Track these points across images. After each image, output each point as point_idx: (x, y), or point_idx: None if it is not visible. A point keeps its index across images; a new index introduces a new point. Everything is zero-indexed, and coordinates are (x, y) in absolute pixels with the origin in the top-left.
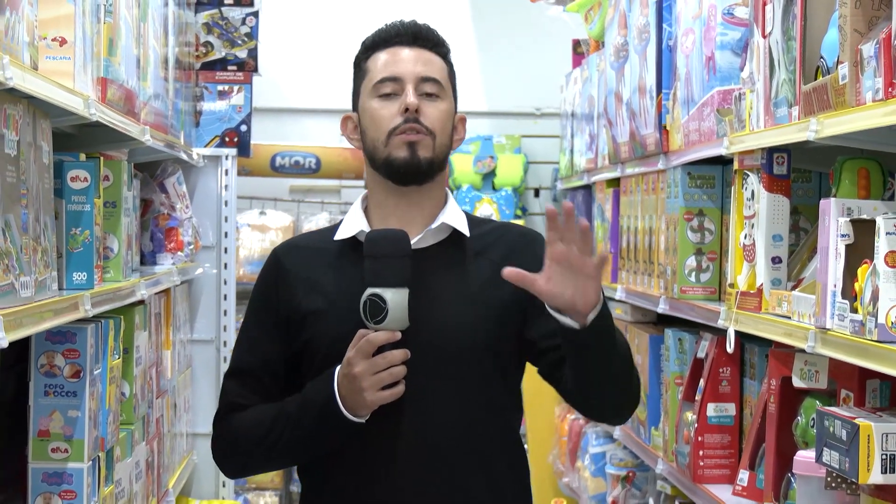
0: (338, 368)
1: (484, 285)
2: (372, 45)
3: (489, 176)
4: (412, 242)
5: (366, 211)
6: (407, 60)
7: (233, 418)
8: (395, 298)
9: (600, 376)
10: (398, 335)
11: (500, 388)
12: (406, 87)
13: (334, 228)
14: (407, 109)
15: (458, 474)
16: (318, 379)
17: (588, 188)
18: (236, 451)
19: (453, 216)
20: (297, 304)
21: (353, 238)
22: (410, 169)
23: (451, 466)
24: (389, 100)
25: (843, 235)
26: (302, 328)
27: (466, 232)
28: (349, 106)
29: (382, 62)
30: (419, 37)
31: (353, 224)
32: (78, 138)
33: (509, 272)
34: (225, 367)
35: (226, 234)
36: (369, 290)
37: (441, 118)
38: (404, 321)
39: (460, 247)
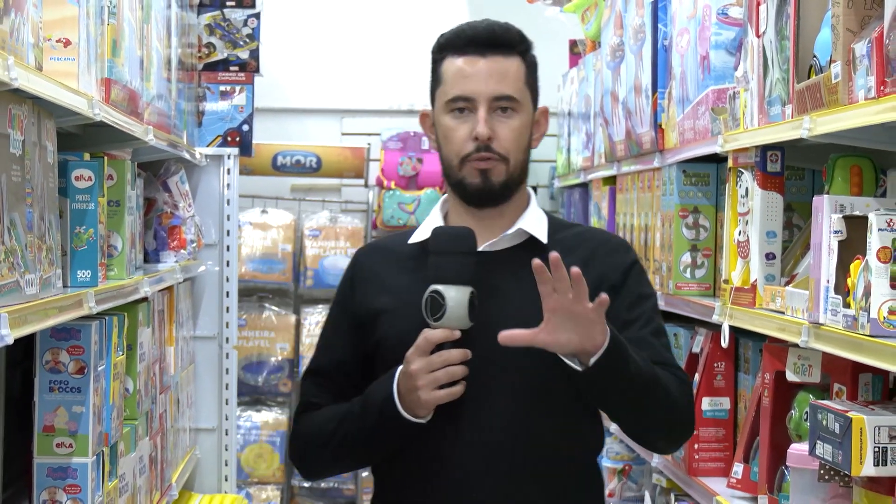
0: (399, 367)
1: None
2: (445, 47)
3: None
4: (487, 244)
5: (446, 216)
6: (480, 77)
7: (306, 418)
8: (455, 296)
9: (625, 411)
10: (457, 334)
11: (567, 399)
12: (478, 108)
13: (413, 231)
14: (477, 138)
15: (515, 481)
16: (381, 378)
17: (585, 186)
18: (308, 451)
19: (532, 222)
20: (370, 304)
21: (428, 240)
22: (484, 196)
23: (507, 473)
24: (462, 117)
25: (835, 232)
26: (373, 328)
27: (544, 239)
28: (349, 106)
29: (454, 74)
30: (494, 42)
31: (430, 227)
32: (82, 138)
33: (505, 336)
34: (227, 363)
35: (228, 233)
36: (431, 287)
37: (515, 138)
38: (464, 320)
39: (537, 251)
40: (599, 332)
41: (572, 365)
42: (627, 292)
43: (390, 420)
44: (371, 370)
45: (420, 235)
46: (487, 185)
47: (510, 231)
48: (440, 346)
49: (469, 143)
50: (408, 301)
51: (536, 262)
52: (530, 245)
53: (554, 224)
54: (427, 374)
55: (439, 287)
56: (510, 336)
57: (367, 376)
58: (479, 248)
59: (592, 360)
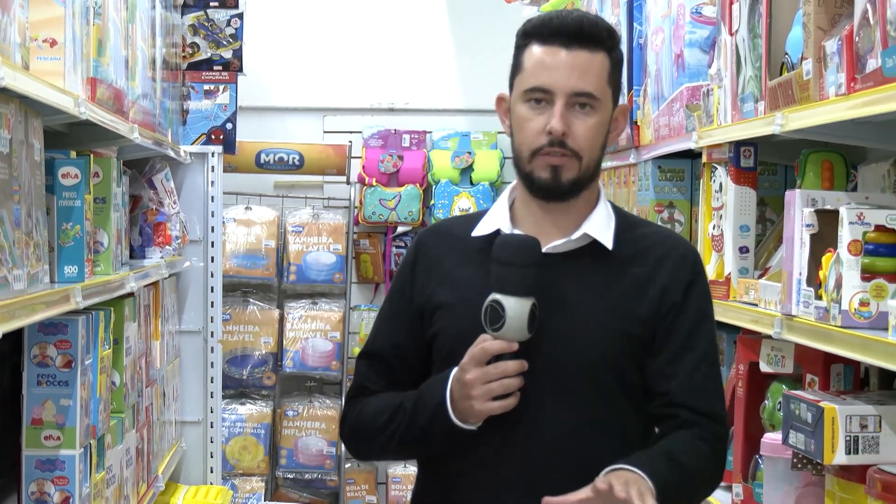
0: (453, 371)
1: (620, 298)
2: (530, 34)
3: (467, 171)
4: (551, 246)
5: (512, 205)
6: (561, 69)
7: (359, 403)
8: (515, 308)
9: None
10: (515, 346)
11: (624, 410)
12: (556, 101)
13: (480, 216)
14: (551, 132)
15: (563, 493)
16: (435, 378)
17: None
18: (359, 437)
19: (598, 224)
20: (430, 294)
21: (494, 233)
22: (553, 192)
23: (556, 484)
24: (538, 108)
25: (807, 225)
26: (432, 320)
27: (609, 244)
28: (331, 105)
29: (536, 63)
30: (580, 36)
31: (495, 220)
32: (69, 136)
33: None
34: (212, 356)
35: (212, 229)
36: (491, 296)
37: (590, 136)
38: (523, 332)
39: (601, 255)
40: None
41: None
42: (688, 314)
43: (441, 424)
44: (429, 359)
45: (484, 228)
46: (556, 182)
47: (575, 236)
48: (497, 357)
49: (542, 137)
50: (468, 298)
51: (601, 485)
52: (597, 247)
53: (622, 224)
54: (482, 385)
55: (500, 297)
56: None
57: (425, 363)
58: (543, 250)
59: None
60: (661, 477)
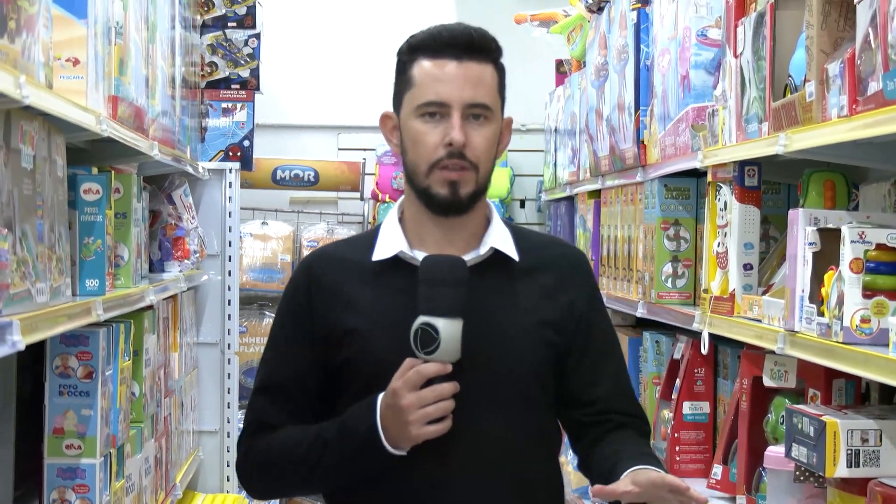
0: (380, 397)
1: (532, 308)
2: (418, 48)
3: None
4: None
5: (401, 222)
6: (455, 82)
7: (262, 439)
8: (449, 329)
9: None
10: (449, 368)
11: (545, 414)
12: (452, 113)
13: (370, 239)
14: (451, 144)
15: (496, 499)
16: (358, 406)
17: (570, 199)
18: (266, 474)
19: (500, 237)
20: (335, 320)
21: (393, 256)
22: (452, 206)
23: (494, 495)
24: (433, 122)
25: (810, 243)
26: (340, 347)
27: (515, 256)
28: (346, 122)
29: (428, 77)
30: (471, 48)
31: (392, 243)
32: (90, 153)
33: (598, 490)
34: (229, 368)
35: (230, 243)
36: (421, 319)
37: (486, 146)
38: (456, 353)
39: (506, 266)
40: None
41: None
42: (596, 323)
43: (372, 452)
44: (332, 388)
45: (383, 252)
46: (455, 197)
47: (482, 250)
48: (429, 380)
49: (441, 149)
50: (380, 322)
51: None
52: (498, 260)
53: (516, 236)
54: (418, 410)
55: (431, 320)
56: (601, 490)
57: (327, 392)
58: None
59: None
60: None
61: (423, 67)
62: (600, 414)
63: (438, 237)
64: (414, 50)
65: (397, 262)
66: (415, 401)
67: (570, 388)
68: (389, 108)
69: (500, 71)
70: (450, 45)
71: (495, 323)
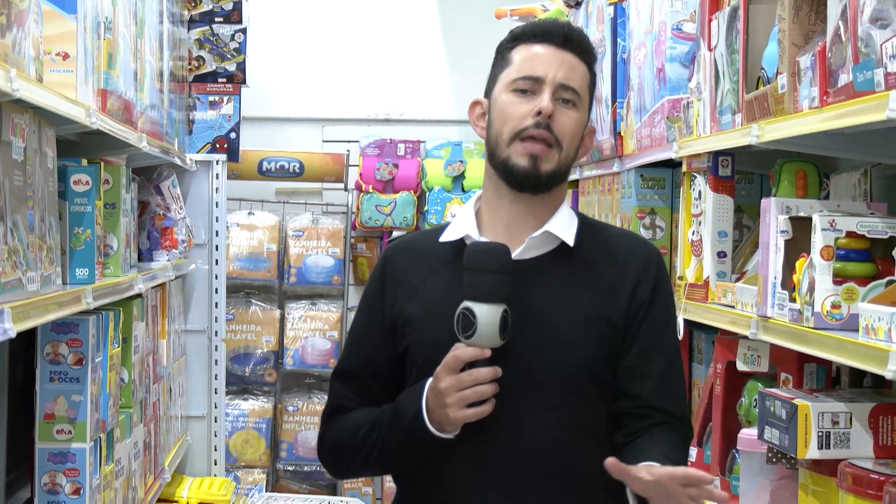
0: (428, 381)
1: (589, 303)
2: (521, 36)
3: (459, 178)
4: (517, 252)
5: (477, 212)
6: (551, 61)
7: (336, 421)
8: (487, 314)
9: None
10: (488, 352)
11: (597, 411)
12: (544, 89)
13: (443, 229)
14: (539, 112)
15: (547, 497)
16: (410, 389)
17: None
18: (337, 455)
19: (560, 224)
20: (400, 308)
21: (461, 241)
22: (529, 180)
23: (538, 490)
24: (525, 97)
25: (782, 231)
26: (404, 334)
27: (571, 241)
28: (330, 115)
29: (526, 56)
30: (570, 39)
31: (461, 227)
32: (80, 145)
33: (612, 464)
34: (216, 354)
35: (217, 233)
36: (463, 304)
37: (572, 128)
38: (495, 338)
39: (568, 258)
40: None
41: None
42: (655, 315)
43: (418, 434)
44: (402, 372)
45: (451, 234)
46: (535, 171)
47: (536, 234)
48: (471, 364)
49: (528, 119)
50: (438, 310)
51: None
52: (561, 251)
53: (584, 226)
54: (456, 393)
55: (471, 304)
56: (615, 467)
57: (399, 378)
58: (512, 256)
59: None
60: None
61: (523, 49)
62: (642, 409)
63: (507, 222)
64: (516, 38)
65: (464, 247)
66: (453, 383)
67: (616, 378)
68: (375, 104)
69: (593, 75)
70: (550, 32)
71: (547, 314)
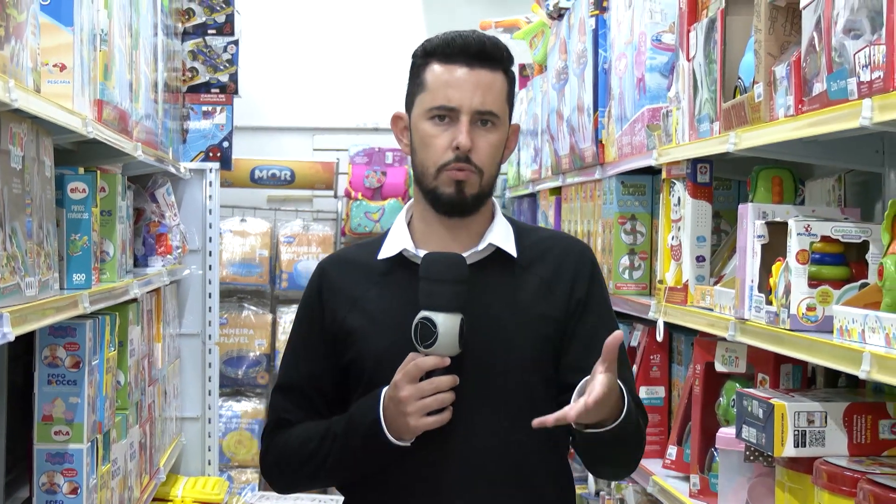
0: (384, 390)
1: (530, 303)
2: (432, 53)
3: None
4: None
5: (409, 223)
6: (465, 87)
7: (280, 435)
8: (447, 323)
9: (610, 464)
10: (447, 361)
11: (548, 408)
12: (461, 118)
13: (379, 241)
14: (458, 147)
15: (503, 498)
16: (364, 399)
17: (533, 196)
18: (284, 469)
19: (500, 235)
20: (342, 320)
21: (398, 255)
22: (457, 206)
23: (495, 490)
24: (442, 125)
25: (759, 236)
26: (346, 346)
27: (513, 252)
28: (320, 125)
29: (439, 82)
30: (483, 55)
31: (398, 241)
32: (77, 154)
33: (539, 422)
34: (210, 357)
35: (210, 239)
36: (421, 314)
37: (492, 152)
38: (454, 347)
39: (507, 262)
40: (617, 403)
41: (590, 430)
42: (593, 309)
43: (376, 443)
44: (344, 385)
45: (389, 250)
46: (461, 196)
47: (480, 247)
48: (429, 373)
49: (448, 153)
50: (382, 320)
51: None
52: (500, 256)
53: (518, 232)
54: (417, 402)
55: (430, 314)
56: (542, 421)
57: (341, 389)
58: None
59: (608, 427)
60: (630, 408)
61: (436, 72)
62: None
63: (443, 236)
64: (428, 54)
65: (402, 261)
66: (413, 392)
67: (561, 372)
68: (364, 113)
69: (511, 79)
70: (462, 51)
71: (494, 318)
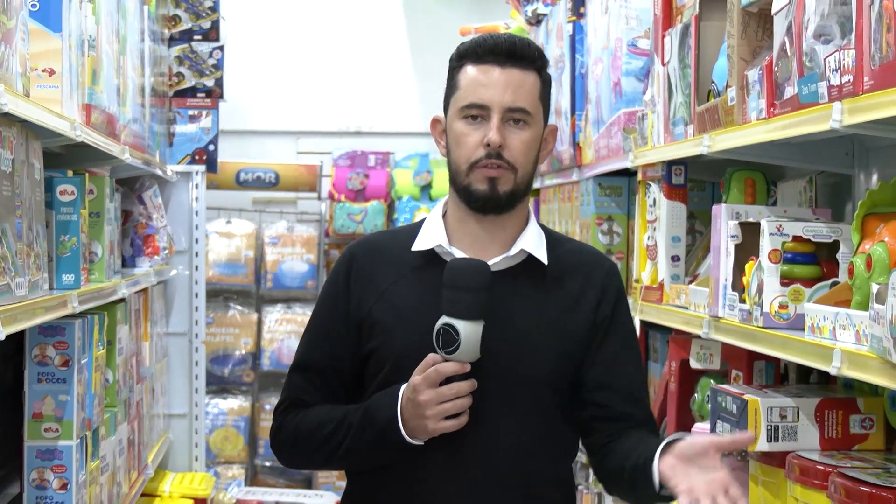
0: (403, 388)
1: (557, 316)
2: (465, 55)
3: (426, 188)
4: (490, 263)
5: (445, 218)
6: (496, 86)
7: (295, 415)
8: (469, 331)
9: (631, 500)
10: (468, 367)
11: (560, 421)
12: (492, 116)
13: (414, 231)
14: (489, 144)
15: (510, 501)
16: (383, 394)
17: None
18: (296, 449)
19: (532, 241)
20: (368, 309)
21: (431, 250)
22: (490, 203)
23: (503, 494)
24: (475, 124)
25: (732, 236)
26: (371, 335)
27: (545, 259)
28: (304, 128)
29: (471, 81)
30: (514, 55)
31: (432, 236)
32: (65, 157)
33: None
34: (196, 356)
35: (196, 241)
36: (444, 319)
37: (524, 149)
38: (475, 353)
39: (537, 271)
40: None
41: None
42: (617, 328)
43: (390, 439)
44: (362, 371)
45: (423, 244)
46: (494, 194)
47: (511, 252)
48: (449, 378)
49: (480, 150)
50: (407, 317)
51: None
52: (531, 264)
53: (550, 241)
54: (436, 406)
55: (453, 321)
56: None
57: (358, 375)
58: None
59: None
60: None
61: (468, 72)
62: (612, 416)
63: (476, 236)
64: (461, 56)
65: (433, 257)
66: (433, 397)
67: (583, 389)
68: (346, 117)
69: (544, 80)
70: (493, 51)
71: (519, 328)
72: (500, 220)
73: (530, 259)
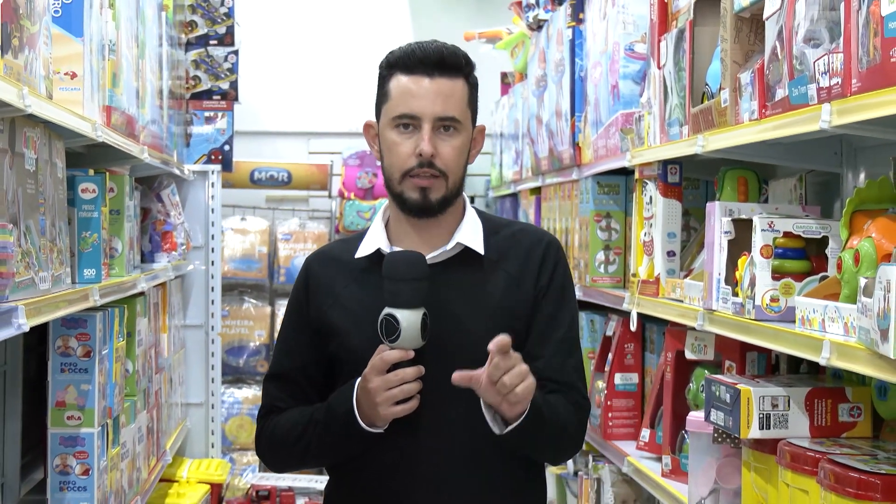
0: (357, 381)
1: (496, 297)
2: (395, 65)
3: None
4: (429, 257)
5: (387, 224)
6: (426, 96)
7: (272, 420)
8: (409, 319)
9: (531, 453)
10: (411, 353)
11: None
12: (423, 126)
13: (360, 239)
14: (421, 154)
15: (472, 479)
16: (341, 390)
17: (514, 196)
18: (275, 452)
19: (468, 233)
20: (325, 315)
21: (376, 252)
22: (423, 210)
23: (463, 472)
24: (407, 133)
25: (726, 232)
26: (329, 339)
27: (480, 250)
28: (315, 129)
29: (402, 92)
30: (442, 65)
31: (374, 240)
32: (87, 156)
33: (458, 377)
34: (213, 347)
35: (212, 237)
36: (386, 310)
37: (455, 155)
38: (417, 340)
39: (475, 258)
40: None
41: (491, 423)
42: (552, 295)
43: (351, 430)
44: (330, 372)
45: (365, 249)
46: (426, 202)
47: (449, 246)
48: (396, 365)
49: (412, 159)
50: (361, 318)
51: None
52: (468, 254)
53: (488, 229)
54: (385, 392)
55: (394, 311)
56: (461, 377)
57: (328, 377)
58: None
59: (508, 429)
60: (538, 400)
61: (398, 82)
62: (539, 381)
63: (413, 235)
64: (391, 66)
65: (380, 259)
66: (381, 384)
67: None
68: (356, 119)
69: (472, 85)
70: (422, 62)
71: (457, 313)
72: (434, 221)
73: (468, 250)
